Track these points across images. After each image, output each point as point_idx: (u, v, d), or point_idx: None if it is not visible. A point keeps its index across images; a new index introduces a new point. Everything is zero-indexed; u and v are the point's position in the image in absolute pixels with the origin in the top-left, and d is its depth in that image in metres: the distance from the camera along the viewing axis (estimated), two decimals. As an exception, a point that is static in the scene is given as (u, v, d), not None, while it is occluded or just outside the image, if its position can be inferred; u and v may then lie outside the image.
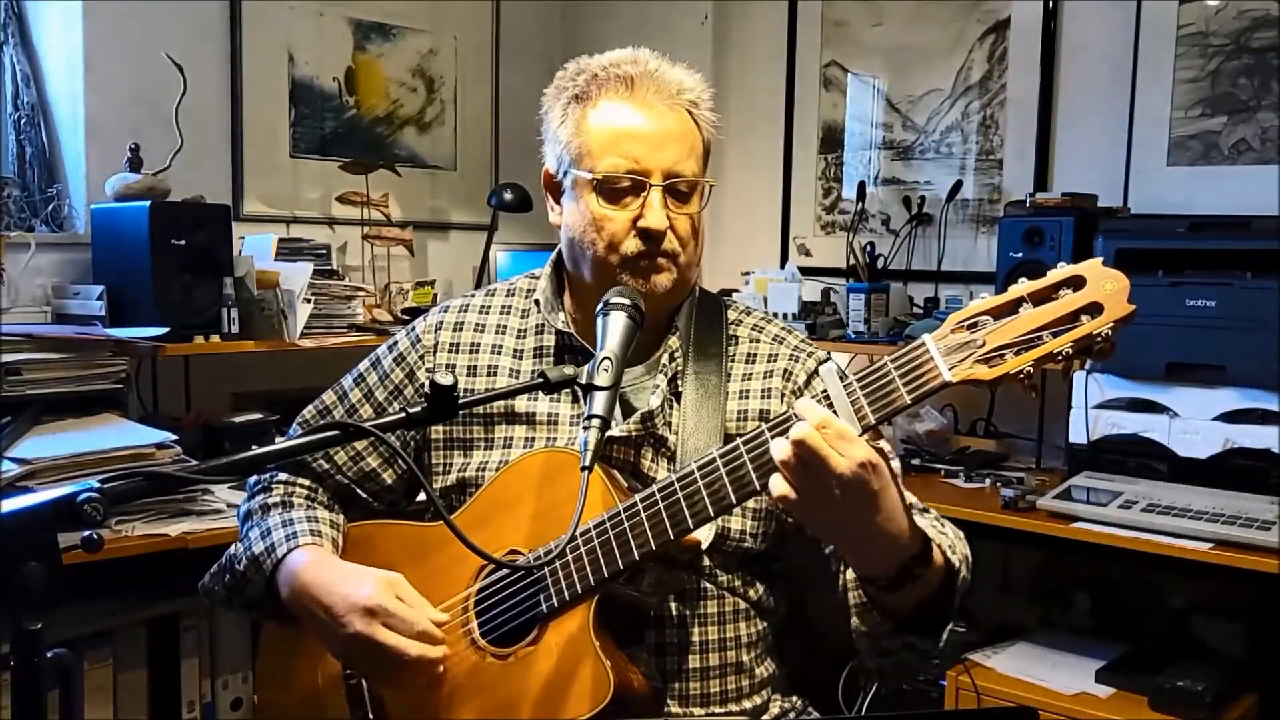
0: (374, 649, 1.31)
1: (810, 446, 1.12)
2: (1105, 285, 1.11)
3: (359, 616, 1.32)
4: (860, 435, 1.17)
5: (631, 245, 1.41)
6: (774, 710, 1.48)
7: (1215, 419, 2.38)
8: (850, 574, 1.33)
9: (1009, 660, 2.57)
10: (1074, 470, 2.57)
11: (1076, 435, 2.58)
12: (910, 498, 1.39)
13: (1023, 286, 1.14)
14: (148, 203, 2.60)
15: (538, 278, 1.57)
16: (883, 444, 1.38)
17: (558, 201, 1.51)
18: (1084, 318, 1.11)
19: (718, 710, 1.42)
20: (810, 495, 1.14)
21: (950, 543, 1.32)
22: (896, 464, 1.43)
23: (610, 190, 1.41)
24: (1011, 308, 1.14)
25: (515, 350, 1.53)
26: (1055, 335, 1.11)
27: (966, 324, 1.15)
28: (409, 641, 1.31)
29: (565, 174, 1.47)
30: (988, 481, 2.79)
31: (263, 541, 1.45)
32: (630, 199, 1.41)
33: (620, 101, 1.42)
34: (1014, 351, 1.12)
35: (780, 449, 1.14)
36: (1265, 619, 2.45)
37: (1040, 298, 1.13)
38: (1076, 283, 1.12)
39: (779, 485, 1.15)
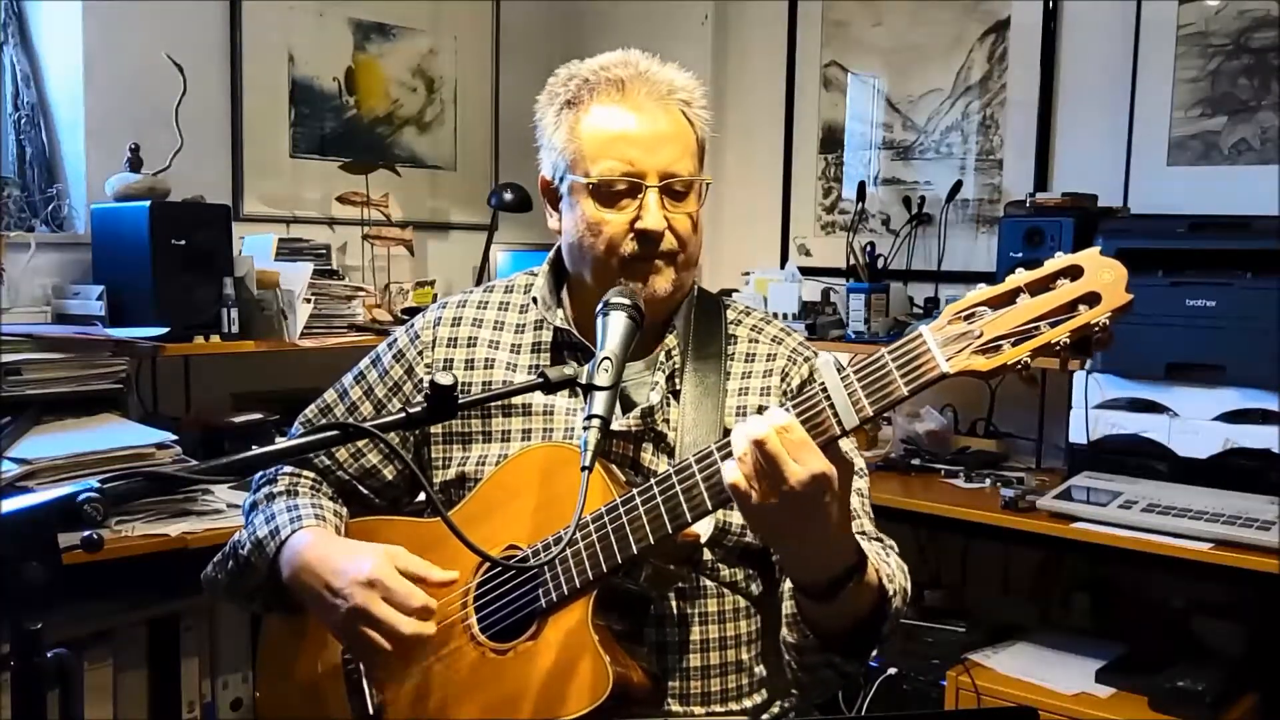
0: (370, 622, 1.31)
1: (769, 451, 1.12)
2: (1103, 274, 1.10)
3: (359, 589, 1.32)
4: (858, 428, 1.17)
5: (629, 247, 1.42)
6: (774, 709, 1.48)
7: (1215, 419, 2.38)
8: (788, 584, 1.34)
9: (1009, 660, 2.57)
10: (1074, 470, 2.57)
11: (1076, 435, 2.58)
12: (868, 526, 1.42)
13: (1020, 276, 1.13)
14: (148, 203, 2.60)
15: (536, 275, 1.57)
16: (857, 461, 1.38)
17: (556, 208, 1.51)
18: (1081, 307, 1.10)
19: (718, 709, 1.42)
20: (760, 496, 1.15)
21: (890, 573, 1.34)
22: (864, 483, 1.45)
23: (606, 194, 1.42)
24: (1009, 298, 1.13)
25: (513, 345, 1.54)
26: (1053, 325, 1.10)
27: (964, 315, 1.14)
28: (404, 618, 1.31)
29: (561, 180, 1.47)
30: (988, 481, 2.79)
31: (267, 526, 1.46)
32: (627, 201, 1.42)
33: (612, 104, 1.43)
34: (1011, 342, 1.11)
35: (740, 443, 1.15)
36: (1265, 619, 2.45)
37: (1038, 288, 1.12)
38: (1074, 272, 1.11)
39: (731, 473, 1.16)
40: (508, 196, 3.30)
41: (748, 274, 3.34)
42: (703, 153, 1.48)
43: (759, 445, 1.13)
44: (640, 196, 1.41)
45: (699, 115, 1.46)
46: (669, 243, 1.42)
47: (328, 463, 1.56)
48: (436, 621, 1.34)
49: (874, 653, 1.33)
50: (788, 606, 1.34)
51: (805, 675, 1.35)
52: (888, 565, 1.35)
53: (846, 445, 1.21)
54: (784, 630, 1.35)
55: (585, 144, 1.43)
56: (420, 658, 1.36)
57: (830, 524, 1.17)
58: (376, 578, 1.32)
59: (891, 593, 1.31)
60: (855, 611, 1.26)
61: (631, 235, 1.41)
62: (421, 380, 1.54)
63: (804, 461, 1.13)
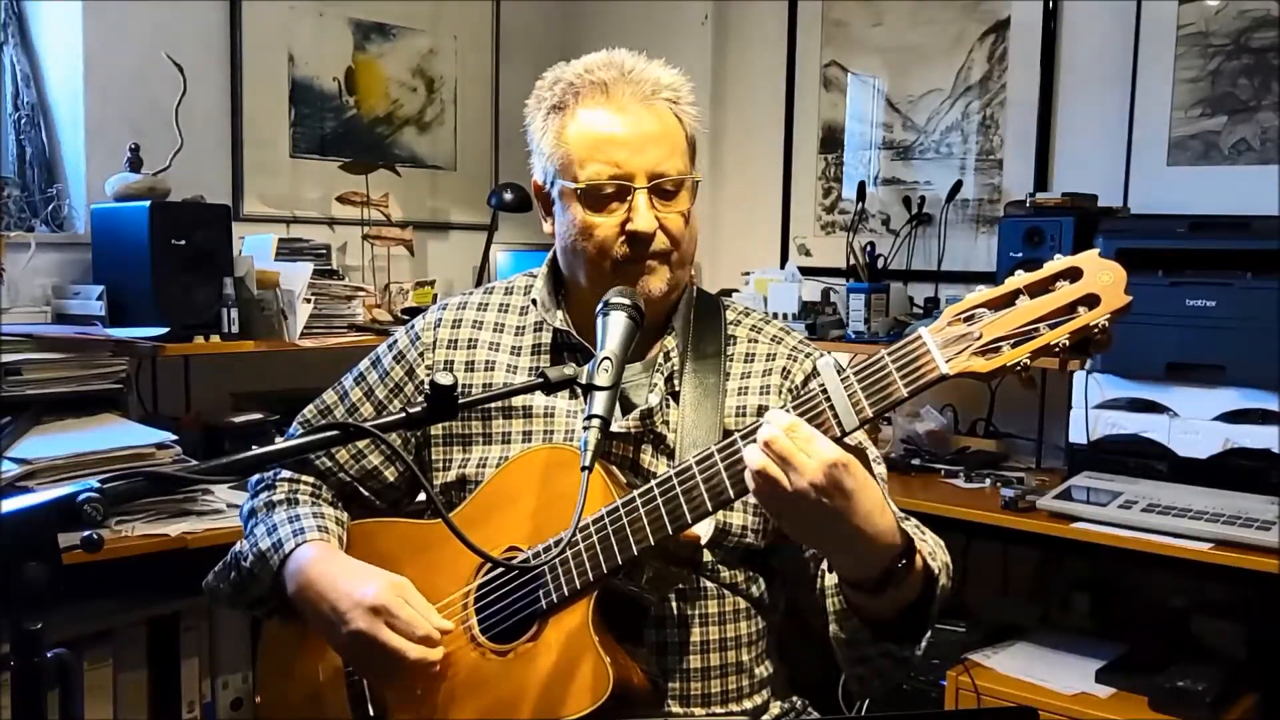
0: (375, 647, 1.32)
1: (778, 450, 1.13)
2: (1102, 276, 1.10)
3: (363, 614, 1.32)
4: (858, 429, 1.18)
5: (621, 249, 1.42)
6: (774, 710, 1.48)
7: (1215, 419, 2.38)
8: (830, 579, 1.33)
9: (1009, 660, 2.57)
10: (1074, 470, 2.57)
11: (1076, 435, 2.58)
12: (895, 509, 1.39)
13: (1019, 279, 1.14)
14: (148, 203, 2.60)
15: (535, 277, 1.57)
16: (870, 449, 1.38)
17: (549, 212, 1.51)
18: (1081, 309, 1.10)
19: (718, 710, 1.42)
20: (782, 498, 1.14)
21: (931, 550, 1.32)
22: (882, 469, 1.44)
23: (595, 197, 1.42)
24: (1008, 300, 1.13)
25: (513, 347, 1.54)
26: (1052, 327, 1.11)
27: (963, 316, 1.14)
28: (410, 644, 1.31)
29: (552, 185, 1.47)
30: (988, 481, 2.79)
31: (269, 538, 1.46)
32: (616, 204, 1.41)
33: (597, 107, 1.42)
34: (1011, 344, 1.12)
35: (752, 454, 1.15)
36: (1265, 619, 2.45)
37: (1037, 290, 1.13)
38: (1073, 274, 1.12)
39: (751, 482, 1.16)
40: (508, 196, 3.30)
41: (748, 274, 3.33)
42: (694, 149, 1.47)
43: (768, 446, 1.13)
44: (629, 198, 1.41)
45: (687, 112, 1.46)
46: (661, 242, 1.42)
47: (328, 464, 1.56)
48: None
49: (928, 634, 1.31)
50: (834, 603, 1.33)
51: (862, 668, 1.34)
52: (926, 543, 1.33)
53: (859, 435, 1.21)
54: (833, 627, 1.34)
55: (572, 149, 1.42)
56: (425, 679, 1.35)
57: (862, 513, 1.16)
58: (382, 604, 1.32)
59: (936, 570, 1.29)
60: (907, 597, 1.25)
61: (623, 238, 1.41)
62: (422, 382, 1.54)
63: (815, 454, 1.13)
